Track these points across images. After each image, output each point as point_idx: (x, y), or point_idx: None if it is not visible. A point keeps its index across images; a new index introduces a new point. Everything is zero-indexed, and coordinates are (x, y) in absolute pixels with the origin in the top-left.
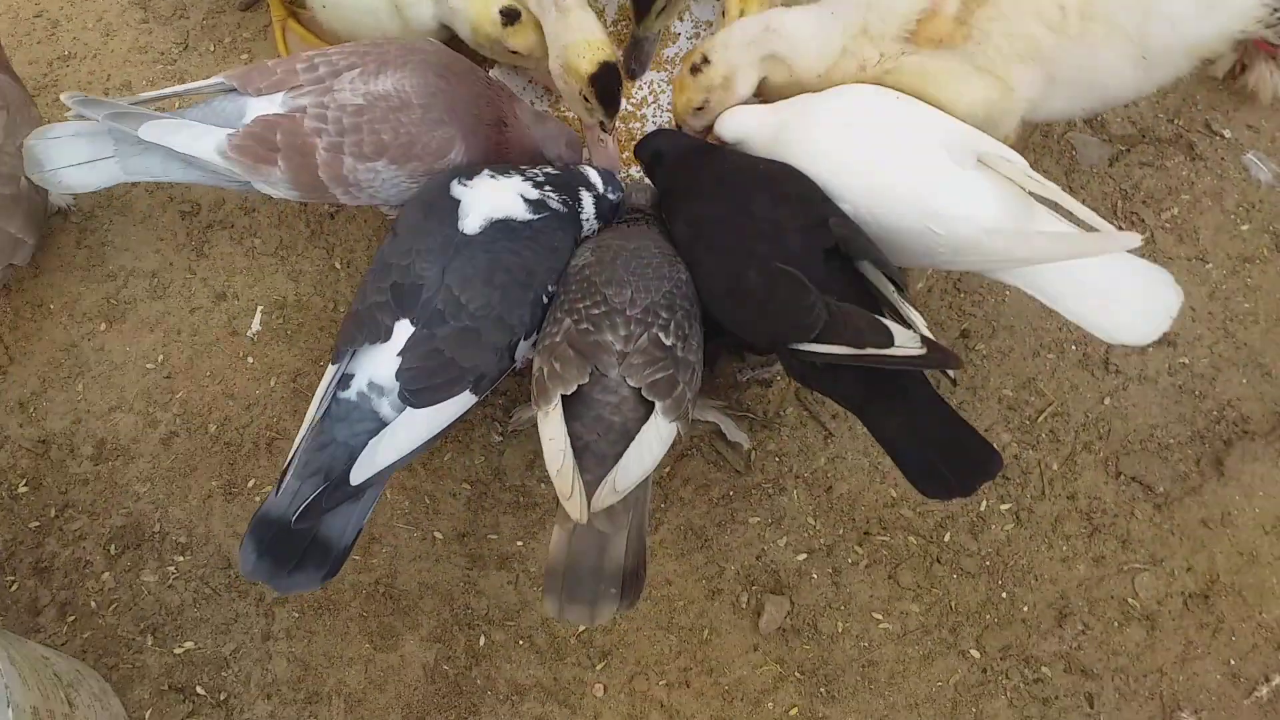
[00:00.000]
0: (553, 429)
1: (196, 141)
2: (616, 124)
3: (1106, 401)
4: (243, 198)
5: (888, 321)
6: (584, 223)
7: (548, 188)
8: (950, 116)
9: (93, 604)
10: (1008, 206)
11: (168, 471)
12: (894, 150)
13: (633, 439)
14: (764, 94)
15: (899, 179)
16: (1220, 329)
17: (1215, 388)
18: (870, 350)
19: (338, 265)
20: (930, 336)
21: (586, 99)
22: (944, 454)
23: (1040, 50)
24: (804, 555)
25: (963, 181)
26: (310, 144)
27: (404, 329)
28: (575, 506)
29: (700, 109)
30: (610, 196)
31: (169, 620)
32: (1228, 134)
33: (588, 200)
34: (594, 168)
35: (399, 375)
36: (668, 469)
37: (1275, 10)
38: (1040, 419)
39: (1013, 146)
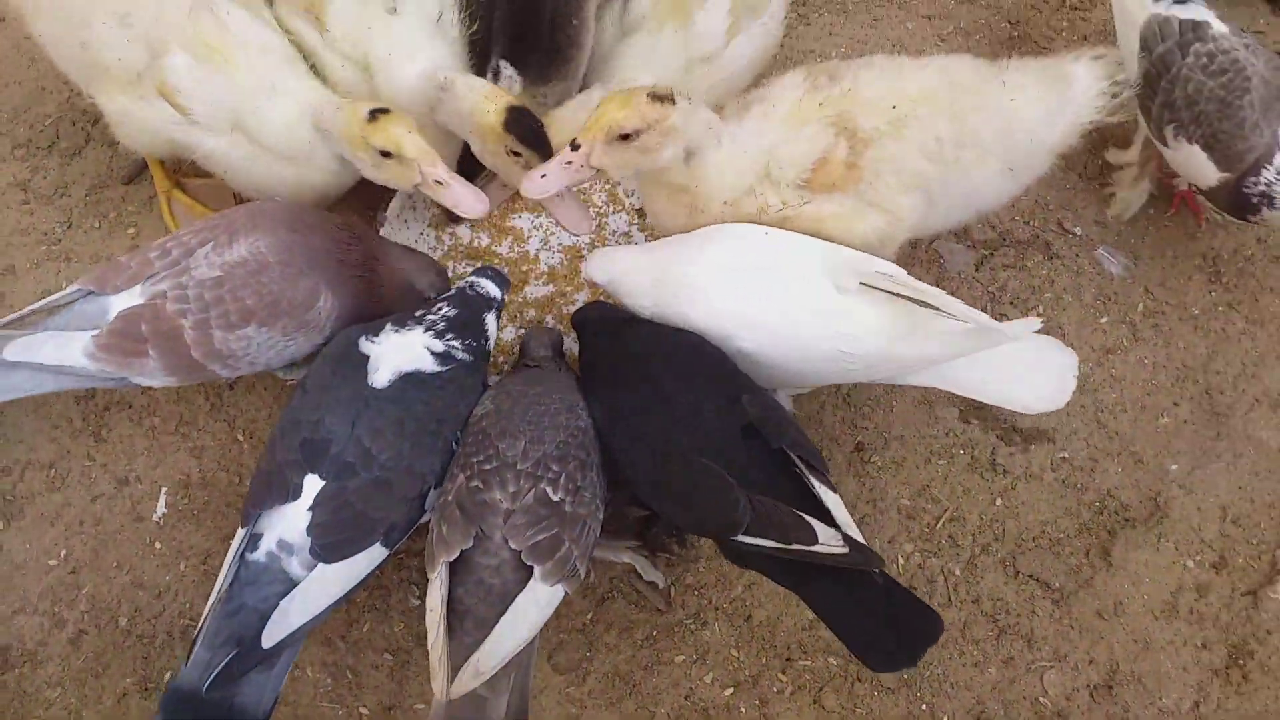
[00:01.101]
0: (433, 598)
1: (62, 350)
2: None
3: (998, 502)
4: None
5: (811, 519)
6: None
7: (450, 336)
8: (823, 242)
9: None
10: (900, 316)
11: (79, 673)
12: (782, 289)
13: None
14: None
15: (797, 316)
16: (1093, 420)
17: (1095, 479)
18: (796, 546)
19: (240, 437)
20: (853, 535)
21: (516, 154)
22: (887, 625)
23: (924, 180)
24: (730, 690)
25: (854, 303)
26: (177, 326)
27: (313, 484)
28: (439, 686)
29: (625, 138)
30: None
31: None
32: (1079, 231)
33: (492, 324)
34: (482, 275)
35: (310, 530)
36: (590, 615)
37: (1113, 88)
38: (939, 525)
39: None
